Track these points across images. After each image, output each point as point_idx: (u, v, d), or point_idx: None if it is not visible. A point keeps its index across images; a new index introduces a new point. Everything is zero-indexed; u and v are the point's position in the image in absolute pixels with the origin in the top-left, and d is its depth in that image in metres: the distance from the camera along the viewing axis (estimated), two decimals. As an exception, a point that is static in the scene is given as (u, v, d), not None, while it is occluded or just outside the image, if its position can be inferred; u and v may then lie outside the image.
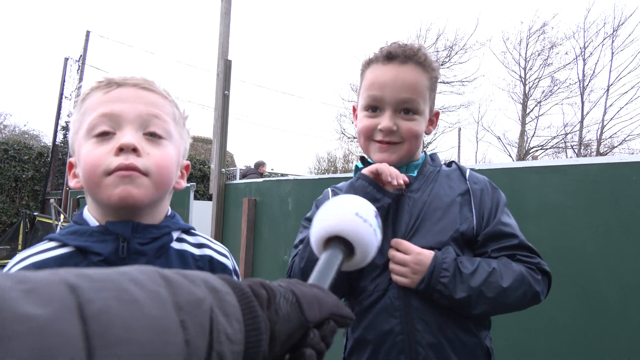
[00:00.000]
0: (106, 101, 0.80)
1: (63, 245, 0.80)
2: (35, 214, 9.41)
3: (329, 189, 1.27)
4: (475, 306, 0.97)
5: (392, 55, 1.11)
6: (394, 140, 1.11)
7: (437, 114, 1.23)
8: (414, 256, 1.00)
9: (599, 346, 1.62)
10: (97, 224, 0.82)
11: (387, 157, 1.12)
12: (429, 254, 1.00)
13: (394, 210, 1.09)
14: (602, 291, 1.63)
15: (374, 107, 1.12)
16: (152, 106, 0.83)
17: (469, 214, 1.07)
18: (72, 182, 0.86)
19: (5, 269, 0.78)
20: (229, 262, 0.94)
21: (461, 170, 1.17)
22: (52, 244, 0.81)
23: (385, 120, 1.09)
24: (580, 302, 1.67)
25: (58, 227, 5.63)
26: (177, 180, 0.89)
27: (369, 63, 1.17)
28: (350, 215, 0.63)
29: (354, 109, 1.23)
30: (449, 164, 1.21)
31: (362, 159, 1.23)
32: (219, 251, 0.93)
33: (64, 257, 0.78)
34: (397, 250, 1.03)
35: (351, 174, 2.92)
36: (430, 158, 1.19)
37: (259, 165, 9.09)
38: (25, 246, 8.67)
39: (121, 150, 0.77)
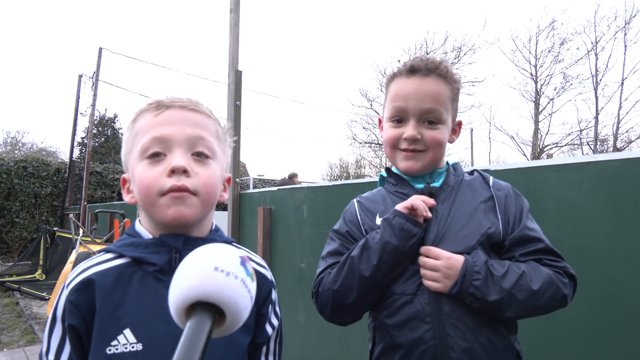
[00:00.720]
0: (156, 124, 0.87)
1: (120, 256, 0.87)
2: (55, 229, 9.58)
3: (355, 201, 1.29)
4: (507, 309, 0.99)
5: (415, 69, 1.16)
6: (419, 148, 1.15)
7: (459, 123, 1.27)
8: (445, 261, 1.02)
9: (624, 347, 1.58)
10: (150, 236, 0.89)
11: (413, 165, 1.16)
12: (459, 258, 1.03)
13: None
14: (626, 289, 1.60)
15: (398, 118, 1.17)
16: (199, 127, 0.89)
17: (495, 219, 1.10)
18: (126, 198, 0.93)
19: (69, 279, 0.85)
20: (268, 274, 1.00)
21: (484, 177, 1.19)
22: (110, 255, 0.88)
23: (409, 130, 1.14)
24: (603, 301, 1.64)
25: (78, 242, 5.71)
26: (221, 193, 0.95)
27: (393, 77, 1.22)
28: (208, 272, 0.53)
29: (380, 121, 1.28)
30: (471, 173, 1.24)
31: (387, 169, 1.27)
32: (259, 263, 1.00)
33: (121, 266, 0.86)
34: (427, 256, 1.05)
35: (366, 180, 2.92)
36: (453, 168, 1.22)
37: (293, 176, 9.70)
38: (46, 261, 8.83)
39: (173, 171, 0.83)
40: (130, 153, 0.90)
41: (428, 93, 1.13)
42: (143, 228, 0.90)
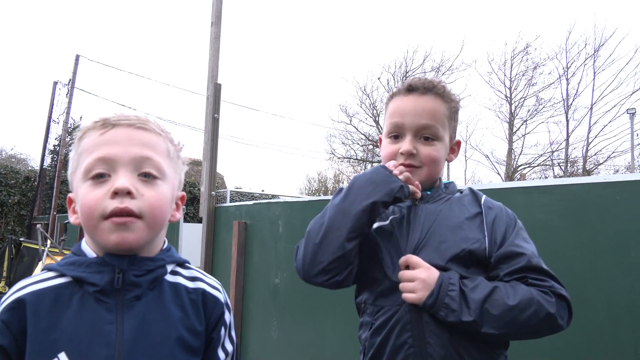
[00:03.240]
0: (101, 143, 0.84)
1: (61, 275, 0.83)
2: (21, 239, 9.23)
3: None
4: (482, 324, 0.98)
5: (413, 88, 1.20)
6: (414, 164, 1.17)
7: (458, 143, 1.29)
8: (423, 270, 1.04)
9: (592, 366, 1.62)
10: (94, 255, 0.85)
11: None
12: (436, 271, 1.04)
13: (406, 222, 1.15)
14: (594, 307, 1.63)
15: (396, 134, 1.20)
16: (146, 147, 0.85)
17: (480, 235, 1.10)
18: (72, 218, 0.89)
19: (5, 296, 0.81)
20: (221, 296, 0.95)
21: (476, 195, 1.21)
22: (51, 274, 0.84)
23: (405, 144, 1.16)
24: (572, 321, 1.67)
25: (44, 253, 5.51)
26: (172, 213, 0.91)
27: (392, 96, 1.25)
28: None
29: (380, 140, 1.30)
30: (462, 191, 1.26)
31: None
32: (211, 285, 0.95)
33: (61, 286, 0.82)
34: (407, 266, 1.07)
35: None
36: (445, 186, 1.23)
37: None
38: (11, 272, 8.48)
39: (116, 193, 0.79)
40: (75, 173, 0.86)
41: (425, 109, 1.16)
42: (88, 247, 0.87)
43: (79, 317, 0.79)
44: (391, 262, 1.11)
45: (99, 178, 0.81)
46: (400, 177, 1.09)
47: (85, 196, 0.81)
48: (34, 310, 0.78)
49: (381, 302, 1.10)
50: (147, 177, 0.84)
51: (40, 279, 0.83)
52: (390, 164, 1.12)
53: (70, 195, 0.90)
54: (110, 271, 0.82)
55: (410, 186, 1.11)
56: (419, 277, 1.02)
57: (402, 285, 1.05)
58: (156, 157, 0.86)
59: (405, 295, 1.04)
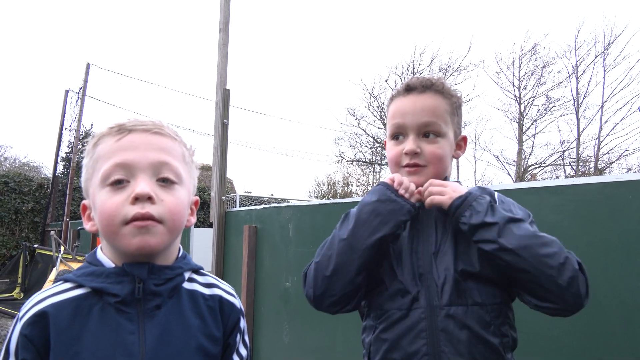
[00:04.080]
0: (118, 149, 0.83)
1: (79, 286, 0.82)
2: (35, 246, 9.36)
3: None
4: (501, 234, 0.99)
5: (411, 87, 1.20)
6: (420, 163, 1.16)
7: (464, 139, 1.28)
8: (451, 186, 1.09)
9: (606, 367, 1.60)
10: (112, 265, 0.84)
11: (417, 180, 1.15)
12: (465, 187, 1.10)
13: (415, 222, 1.14)
14: (604, 308, 1.62)
15: (398, 135, 1.20)
16: (163, 152, 0.85)
17: None
18: (87, 225, 0.88)
19: (23, 310, 0.80)
20: (237, 302, 0.96)
21: (486, 190, 1.19)
22: (68, 285, 0.83)
23: (409, 144, 1.16)
24: (583, 322, 1.66)
25: (58, 259, 5.59)
26: (188, 218, 0.91)
27: (391, 98, 1.25)
28: None
29: (385, 143, 1.30)
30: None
31: None
32: (227, 291, 0.96)
33: (80, 297, 0.81)
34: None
35: (353, 199, 2.92)
36: None
37: None
38: (25, 279, 8.59)
39: (137, 199, 0.79)
40: (91, 179, 0.85)
41: (425, 107, 1.16)
42: (105, 256, 0.85)
43: (100, 328, 0.78)
44: (399, 266, 1.10)
45: (118, 184, 0.81)
46: (406, 194, 1.09)
47: (104, 202, 0.80)
48: (56, 323, 0.77)
49: (388, 305, 1.09)
50: (166, 182, 0.84)
51: (58, 290, 0.82)
52: (395, 180, 1.11)
53: (84, 202, 0.89)
54: (130, 281, 0.81)
55: (416, 195, 1.11)
56: (449, 185, 1.09)
57: (430, 190, 1.09)
58: (174, 162, 0.86)
59: (433, 197, 1.08)
